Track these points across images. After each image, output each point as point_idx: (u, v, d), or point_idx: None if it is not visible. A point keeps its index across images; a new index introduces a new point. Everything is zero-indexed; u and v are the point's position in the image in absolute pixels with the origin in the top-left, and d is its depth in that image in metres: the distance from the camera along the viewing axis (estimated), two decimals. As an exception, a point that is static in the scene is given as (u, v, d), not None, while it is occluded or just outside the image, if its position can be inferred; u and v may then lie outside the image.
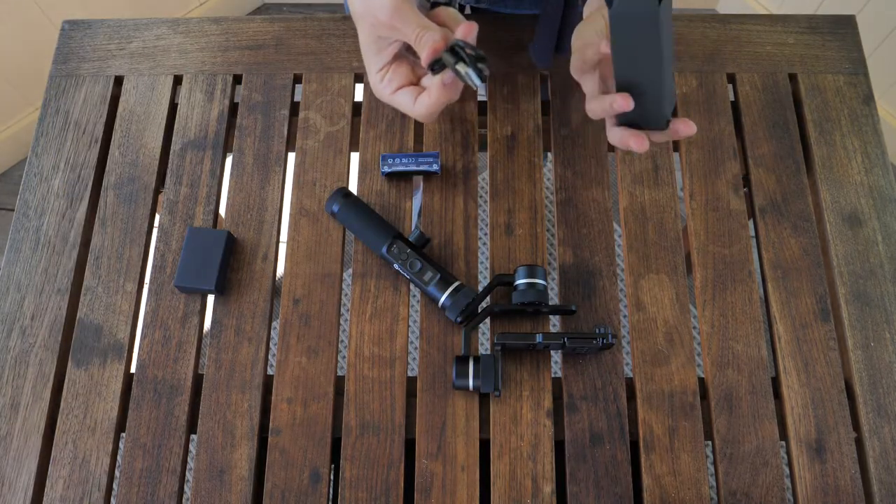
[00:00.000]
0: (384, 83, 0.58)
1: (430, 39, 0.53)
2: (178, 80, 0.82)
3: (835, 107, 0.78)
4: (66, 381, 0.68)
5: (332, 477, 0.67)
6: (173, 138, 0.79)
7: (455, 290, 0.67)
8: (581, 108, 0.78)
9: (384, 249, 0.69)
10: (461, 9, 0.89)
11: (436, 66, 0.54)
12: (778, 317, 0.70)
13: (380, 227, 0.70)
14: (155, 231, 0.75)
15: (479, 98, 0.80)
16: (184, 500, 0.67)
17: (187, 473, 0.66)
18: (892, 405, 0.66)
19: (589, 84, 0.59)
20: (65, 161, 0.78)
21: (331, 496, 0.66)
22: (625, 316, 1.31)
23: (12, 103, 1.60)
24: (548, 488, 0.64)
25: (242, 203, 0.75)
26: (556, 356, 1.03)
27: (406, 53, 0.60)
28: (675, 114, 0.57)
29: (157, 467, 0.65)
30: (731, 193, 0.74)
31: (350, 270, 0.72)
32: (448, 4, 0.88)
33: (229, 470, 0.65)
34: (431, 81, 0.57)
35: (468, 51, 0.53)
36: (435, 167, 0.74)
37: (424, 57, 0.54)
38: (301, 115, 0.79)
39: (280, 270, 0.73)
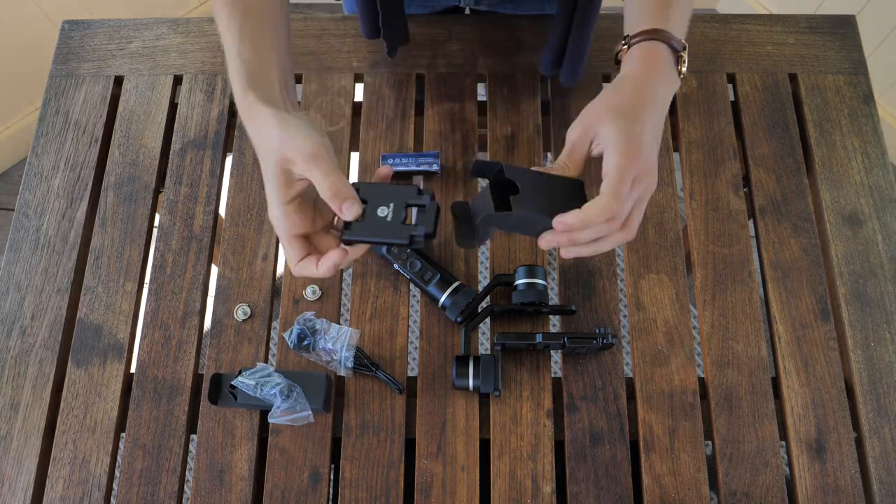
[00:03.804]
0: (288, 219, 0.49)
1: (351, 210, 0.47)
2: (178, 80, 0.82)
3: (835, 107, 0.78)
4: (66, 381, 0.68)
5: (332, 477, 0.67)
6: (173, 138, 0.79)
7: (455, 290, 0.67)
8: (581, 108, 0.78)
9: (384, 249, 0.69)
10: (461, 10, 0.89)
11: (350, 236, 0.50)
12: (778, 317, 0.69)
13: (380, 227, 0.70)
14: (155, 231, 0.75)
15: (479, 98, 0.80)
16: (184, 500, 0.67)
17: (187, 473, 0.66)
18: (892, 405, 0.66)
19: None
20: (65, 161, 0.78)
21: (331, 496, 0.66)
22: (625, 316, 1.31)
23: (12, 103, 1.59)
24: (548, 488, 0.64)
25: (242, 203, 0.75)
26: (556, 356, 1.02)
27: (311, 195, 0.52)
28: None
29: (157, 467, 0.65)
30: (731, 193, 0.74)
31: (350, 270, 0.72)
32: (457, 8, 0.88)
33: (229, 470, 0.65)
34: (331, 249, 0.50)
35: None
36: (435, 167, 0.74)
37: (345, 216, 0.48)
38: (301, 115, 0.79)
39: (280, 270, 0.73)
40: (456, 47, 0.82)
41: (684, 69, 0.53)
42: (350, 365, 0.65)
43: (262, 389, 0.63)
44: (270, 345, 0.70)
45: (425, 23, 0.83)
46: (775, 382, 0.68)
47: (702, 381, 0.68)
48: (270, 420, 0.63)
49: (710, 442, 0.66)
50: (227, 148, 0.79)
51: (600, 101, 0.51)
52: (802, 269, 0.71)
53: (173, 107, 0.81)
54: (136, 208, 0.75)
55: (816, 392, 0.66)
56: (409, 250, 0.68)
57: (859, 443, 0.65)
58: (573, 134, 0.51)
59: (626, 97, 0.51)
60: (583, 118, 0.51)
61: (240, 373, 0.64)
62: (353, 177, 0.76)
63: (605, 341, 0.64)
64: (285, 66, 0.54)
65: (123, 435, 0.67)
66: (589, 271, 0.71)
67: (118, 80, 0.82)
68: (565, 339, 0.64)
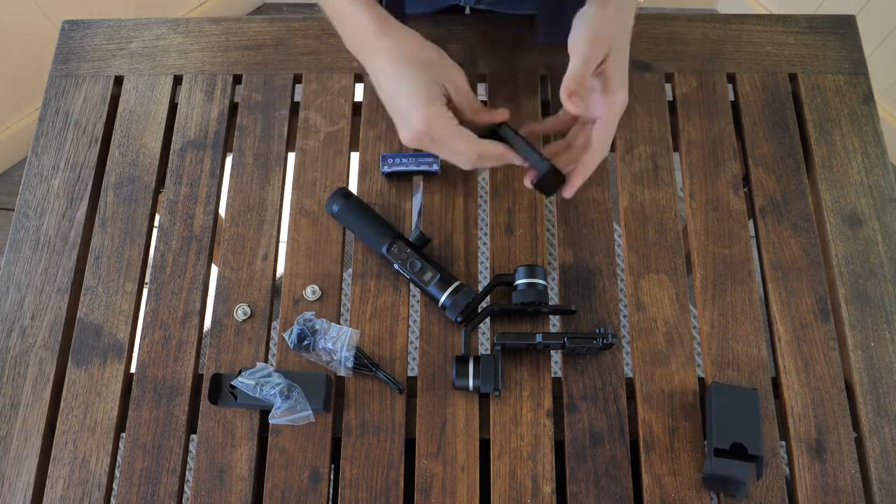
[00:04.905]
0: (448, 113, 0.56)
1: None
2: (178, 80, 0.82)
3: (835, 107, 0.78)
4: (66, 381, 0.68)
5: (332, 477, 0.67)
6: (173, 138, 0.79)
7: (455, 290, 0.67)
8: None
9: (384, 249, 0.69)
10: (461, 9, 0.89)
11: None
12: (778, 317, 0.70)
13: (380, 227, 0.70)
14: (155, 231, 0.75)
15: (480, 98, 0.80)
16: (184, 500, 0.67)
17: (187, 473, 0.66)
18: (892, 405, 0.66)
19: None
20: (65, 161, 0.78)
21: (331, 496, 0.66)
22: (625, 316, 1.31)
23: (12, 103, 1.59)
24: (548, 488, 0.64)
25: (242, 203, 0.75)
26: (556, 356, 1.02)
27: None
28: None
29: (157, 467, 0.65)
30: (731, 193, 0.74)
31: (350, 270, 0.72)
32: (457, 7, 0.88)
33: (229, 470, 0.65)
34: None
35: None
36: (435, 167, 0.74)
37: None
38: (301, 115, 0.79)
39: (280, 270, 0.73)
40: (456, 47, 0.82)
41: None
42: (350, 365, 0.65)
43: (262, 389, 0.63)
44: (270, 345, 0.70)
45: (425, 22, 0.83)
46: (775, 382, 0.68)
47: (702, 381, 0.68)
48: (271, 420, 0.63)
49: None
50: (227, 148, 0.79)
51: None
52: (802, 269, 0.71)
53: (173, 107, 0.81)
54: (136, 208, 0.75)
55: (816, 392, 0.66)
56: (408, 250, 0.68)
57: (859, 443, 0.65)
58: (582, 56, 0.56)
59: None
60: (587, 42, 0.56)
61: (240, 373, 0.64)
62: (353, 177, 0.76)
63: (605, 341, 0.64)
64: None
65: (123, 435, 0.67)
66: (589, 271, 0.71)
67: (118, 80, 0.82)
68: (565, 339, 0.64)
